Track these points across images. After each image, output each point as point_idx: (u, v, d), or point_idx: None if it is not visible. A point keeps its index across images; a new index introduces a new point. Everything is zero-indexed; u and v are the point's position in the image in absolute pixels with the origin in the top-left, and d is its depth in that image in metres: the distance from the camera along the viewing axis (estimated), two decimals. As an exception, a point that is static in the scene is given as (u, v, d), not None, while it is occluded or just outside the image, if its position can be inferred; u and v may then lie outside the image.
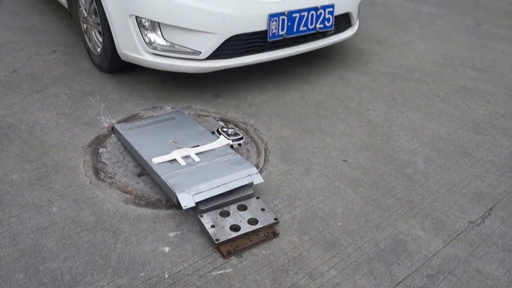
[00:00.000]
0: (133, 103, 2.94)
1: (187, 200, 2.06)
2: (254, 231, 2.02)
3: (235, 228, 2.02)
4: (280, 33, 2.91)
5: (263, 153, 2.59)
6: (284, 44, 3.07)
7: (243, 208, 2.14)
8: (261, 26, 2.83)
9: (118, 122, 2.73)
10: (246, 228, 2.02)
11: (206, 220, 2.04)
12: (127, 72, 3.30)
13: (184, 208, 2.03)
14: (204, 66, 2.82)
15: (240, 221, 2.05)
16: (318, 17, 3.00)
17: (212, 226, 2.01)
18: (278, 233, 2.05)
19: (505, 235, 2.13)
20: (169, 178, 2.16)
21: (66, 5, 3.64)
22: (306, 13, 2.93)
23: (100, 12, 2.90)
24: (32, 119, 2.71)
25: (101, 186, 2.24)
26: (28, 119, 2.70)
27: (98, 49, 3.17)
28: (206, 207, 2.09)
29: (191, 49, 2.75)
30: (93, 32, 3.18)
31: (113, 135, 2.62)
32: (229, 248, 1.94)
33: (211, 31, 2.70)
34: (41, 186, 2.21)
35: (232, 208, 2.13)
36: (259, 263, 1.90)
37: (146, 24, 2.70)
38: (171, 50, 2.76)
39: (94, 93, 3.01)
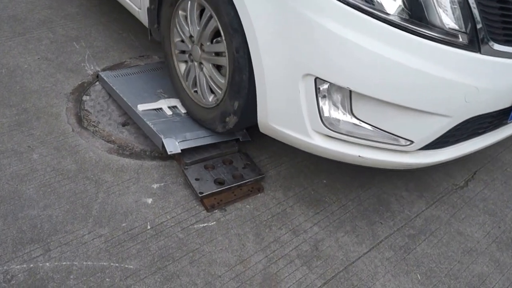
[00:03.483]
0: (119, 51, 2.85)
1: (172, 146, 2.02)
2: (238, 186, 2.00)
3: (219, 181, 2.00)
4: None
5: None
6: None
7: (228, 162, 2.11)
8: (507, 101, 1.80)
9: (103, 70, 2.65)
10: (230, 182, 2.00)
11: (191, 172, 2.02)
12: (114, 19, 3.18)
13: (169, 153, 2.00)
14: (411, 162, 1.78)
15: (225, 175, 2.03)
16: None
17: (196, 179, 1.99)
18: (263, 188, 2.03)
19: (487, 198, 2.15)
20: (155, 124, 2.12)
21: (137, 15, 2.54)
22: None
23: (231, 53, 1.82)
24: (13, 63, 2.61)
25: (84, 134, 2.19)
26: (9, 63, 2.61)
27: (209, 98, 2.12)
28: (191, 160, 2.06)
29: (397, 136, 1.69)
30: (202, 73, 2.10)
31: (97, 82, 2.54)
32: (212, 202, 1.93)
33: (441, 111, 1.62)
34: (22, 132, 2.15)
35: (218, 162, 2.10)
36: (243, 218, 1.89)
37: (328, 90, 1.65)
38: (360, 135, 1.70)
39: (79, 39, 2.91)
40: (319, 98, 1.66)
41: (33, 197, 1.85)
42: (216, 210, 1.91)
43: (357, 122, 1.68)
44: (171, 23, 2.18)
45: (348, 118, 1.68)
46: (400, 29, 1.48)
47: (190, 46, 2.12)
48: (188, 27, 2.08)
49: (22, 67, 2.59)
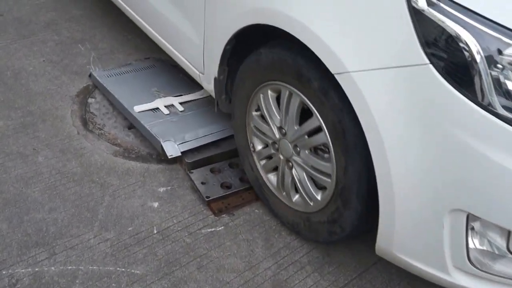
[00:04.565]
0: (125, 53, 2.83)
1: (172, 149, 2.00)
2: (246, 189, 1.97)
3: (226, 185, 1.97)
4: None
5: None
6: None
7: (235, 165, 2.08)
8: None
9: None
10: (238, 185, 1.97)
11: (197, 176, 1.99)
12: (119, 21, 3.16)
13: (169, 157, 1.98)
14: None
15: (232, 178, 2.00)
16: None
17: (203, 183, 1.96)
18: (271, 193, 2.00)
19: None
20: (153, 126, 2.10)
21: (198, 79, 2.09)
22: None
23: (344, 177, 1.52)
24: (19, 65, 2.59)
25: (89, 137, 2.16)
26: (14, 65, 2.59)
27: (296, 197, 1.76)
28: (193, 159, 2.03)
29: None
30: (295, 171, 1.71)
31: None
32: (220, 206, 1.89)
33: None
34: (27, 135, 2.13)
35: (224, 165, 2.07)
36: (252, 222, 1.86)
37: (481, 225, 1.34)
38: None
39: (83, 41, 2.89)
40: (468, 233, 1.34)
41: (39, 200, 1.82)
42: (224, 215, 1.88)
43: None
44: (248, 108, 1.83)
45: (504, 256, 1.34)
46: None
47: (277, 138, 1.74)
48: (280, 114, 1.70)
49: (27, 69, 2.57)
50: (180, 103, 2.30)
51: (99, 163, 2.04)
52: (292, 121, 1.64)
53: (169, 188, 1.97)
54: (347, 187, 1.52)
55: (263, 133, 1.79)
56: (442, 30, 1.18)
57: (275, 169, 1.82)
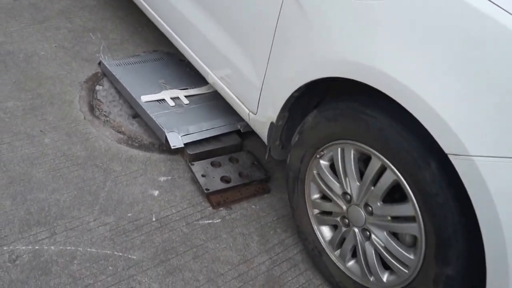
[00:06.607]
0: (134, 44, 2.87)
1: (176, 140, 2.04)
2: (245, 185, 2.01)
3: (226, 179, 2.01)
4: None
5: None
6: None
7: (235, 160, 2.13)
8: None
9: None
10: (237, 180, 2.01)
11: (197, 168, 2.03)
12: (130, 13, 3.21)
13: (172, 147, 2.02)
14: None
15: (232, 173, 2.04)
16: None
17: (203, 176, 2.00)
18: (269, 190, 2.04)
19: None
20: (158, 116, 2.14)
21: (246, 117, 1.89)
22: None
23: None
24: (31, 49, 2.63)
25: (95, 123, 2.20)
26: (27, 49, 2.63)
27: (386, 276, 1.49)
28: (195, 152, 2.08)
29: None
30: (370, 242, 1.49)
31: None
32: (218, 199, 1.93)
33: None
34: (35, 117, 2.17)
35: (224, 160, 2.11)
36: (248, 217, 1.90)
37: None
38: None
39: (95, 30, 2.93)
40: None
41: (42, 181, 1.87)
42: (222, 208, 1.92)
43: None
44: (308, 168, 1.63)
45: None
46: None
47: (344, 207, 1.54)
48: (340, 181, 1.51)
49: (39, 53, 2.61)
50: (186, 96, 2.35)
51: (103, 148, 2.08)
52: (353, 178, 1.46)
53: (169, 178, 2.01)
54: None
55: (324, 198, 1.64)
56: None
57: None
